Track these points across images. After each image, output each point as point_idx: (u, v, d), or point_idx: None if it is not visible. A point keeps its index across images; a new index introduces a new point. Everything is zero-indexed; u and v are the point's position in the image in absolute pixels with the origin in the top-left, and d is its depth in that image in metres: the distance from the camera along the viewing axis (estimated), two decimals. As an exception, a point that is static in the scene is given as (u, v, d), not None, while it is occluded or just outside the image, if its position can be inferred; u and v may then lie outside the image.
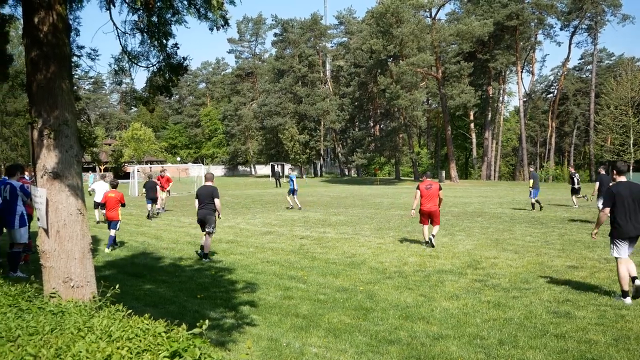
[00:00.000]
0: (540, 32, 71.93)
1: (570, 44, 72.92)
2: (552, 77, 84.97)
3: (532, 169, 25.43)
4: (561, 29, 73.22)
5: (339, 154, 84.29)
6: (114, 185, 15.30)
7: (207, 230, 12.89)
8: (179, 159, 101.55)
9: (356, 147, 72.35)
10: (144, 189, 22.76)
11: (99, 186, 20.16)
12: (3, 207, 10.39)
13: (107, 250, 14.10)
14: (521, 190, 40.53)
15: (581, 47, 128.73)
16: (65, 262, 5.24)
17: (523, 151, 68.47)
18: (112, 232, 14.59)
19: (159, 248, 14.82)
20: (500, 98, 73.15)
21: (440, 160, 78.88)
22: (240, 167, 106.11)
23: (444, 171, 62.57)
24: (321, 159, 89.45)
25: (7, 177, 10.64)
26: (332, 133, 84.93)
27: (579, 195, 25.40)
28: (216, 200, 12.91)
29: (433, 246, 13.97)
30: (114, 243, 14.67)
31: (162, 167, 41.80)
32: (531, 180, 23.50)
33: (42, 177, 5.28)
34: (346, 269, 11.51)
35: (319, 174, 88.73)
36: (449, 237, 15.71)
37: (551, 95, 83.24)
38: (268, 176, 79.83)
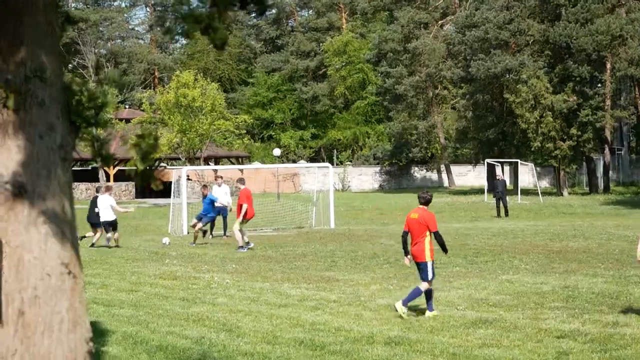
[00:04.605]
0: None
1: None
2: None
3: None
4: None
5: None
6: (427, 201, 14.78)
7: None
8: (277, 152, 74.76)
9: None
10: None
11: (102, 201, 25.99)
12: None
13: (429, 314, 14.12)
14: None
15: None
16: (36, 381, 4.34)
17: None
18: (423, 286, 14.16)
19: (234, 354, 12.33)
20: None
21: None
22: (417, 171, 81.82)
23: None
24: (605, 151, 64.35)
25: None
26: (635, 89, 63.99)
27: None
28: None
29: None
30: (429, 299, 14.40)
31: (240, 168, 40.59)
32: None
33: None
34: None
35: (600, 185, 63.21)
36: None
37: None
38: (479, 191, 61.91)
